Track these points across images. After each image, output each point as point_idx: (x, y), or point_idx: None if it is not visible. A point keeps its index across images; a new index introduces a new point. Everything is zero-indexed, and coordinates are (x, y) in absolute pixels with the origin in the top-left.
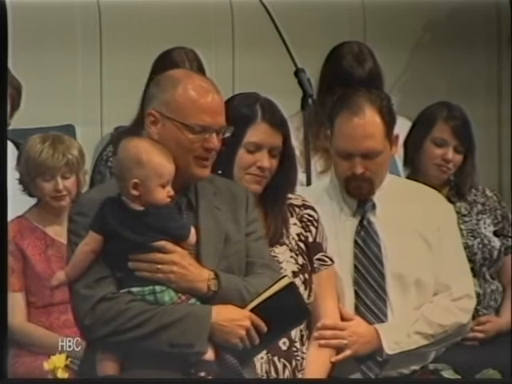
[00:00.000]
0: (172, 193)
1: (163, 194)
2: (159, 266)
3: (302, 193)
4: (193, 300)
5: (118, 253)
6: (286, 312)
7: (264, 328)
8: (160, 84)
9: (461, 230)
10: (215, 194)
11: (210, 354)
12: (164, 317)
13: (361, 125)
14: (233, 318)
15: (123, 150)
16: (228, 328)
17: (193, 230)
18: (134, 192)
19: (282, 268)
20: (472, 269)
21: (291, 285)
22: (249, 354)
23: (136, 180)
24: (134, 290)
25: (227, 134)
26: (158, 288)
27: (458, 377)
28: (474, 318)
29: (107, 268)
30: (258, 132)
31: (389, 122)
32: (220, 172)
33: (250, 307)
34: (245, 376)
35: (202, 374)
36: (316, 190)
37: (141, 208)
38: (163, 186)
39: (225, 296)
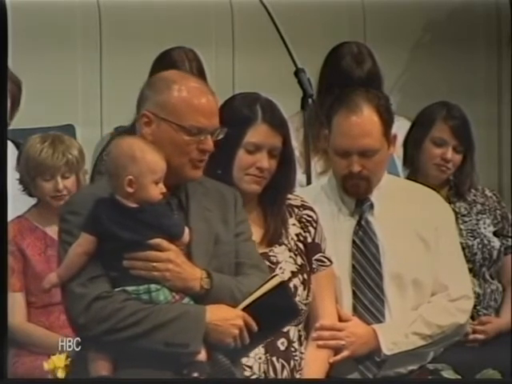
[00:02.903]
0: (164, 190)
1: (156, 191)
2: (155, 264)
3: (300, 192)
4: (186, 299)
5: (112, 252)
6: (278, 311)
7: (255, 327)
8: (154, 85)
9: (460, 230)
10: (204, 195)
11: (202, 354)
12: (159, 316)
13: (358, 123)
14: (226, 318)
15: (116, 148)
16: (222, 327)
17: (187, 229)
18: (129, 189)
19: (281, 268)
20: (472, 269)
21: (282, 284)
22: (240, 353)
23: (130, 177)
24: (129, 288)
25: (220, 136)
26: (153, 287)
27: (458, 377)
28: (473, 318)
29: (101, 267)
30: (258, 133)
31: (387, 120)
32: (219, 172)
33: (242, 306)
34: (237, 376)
35: (196, 374)
36: (314, 190)
37: (135, 205)
38: (156, 183)
39: (217, 295)
